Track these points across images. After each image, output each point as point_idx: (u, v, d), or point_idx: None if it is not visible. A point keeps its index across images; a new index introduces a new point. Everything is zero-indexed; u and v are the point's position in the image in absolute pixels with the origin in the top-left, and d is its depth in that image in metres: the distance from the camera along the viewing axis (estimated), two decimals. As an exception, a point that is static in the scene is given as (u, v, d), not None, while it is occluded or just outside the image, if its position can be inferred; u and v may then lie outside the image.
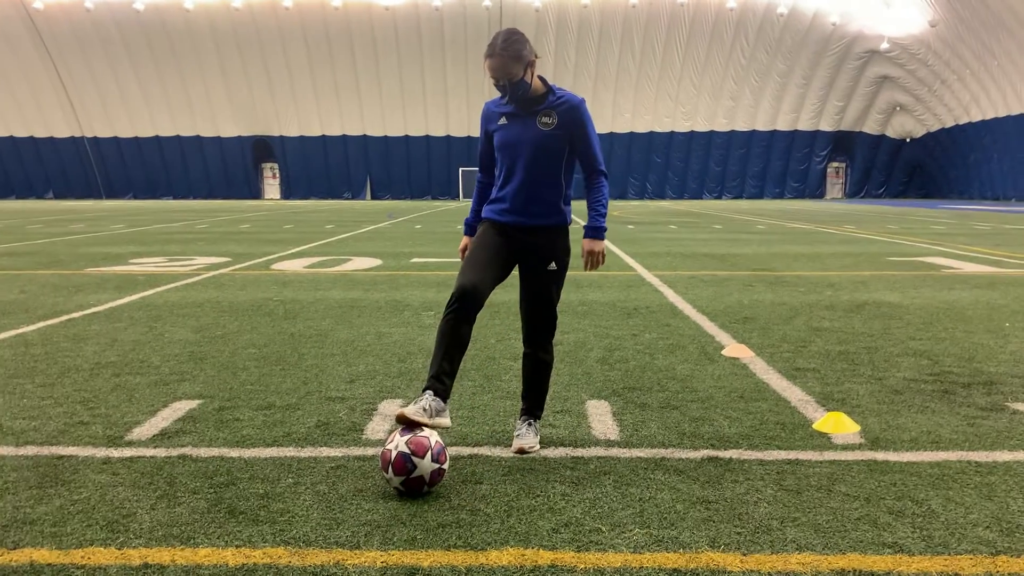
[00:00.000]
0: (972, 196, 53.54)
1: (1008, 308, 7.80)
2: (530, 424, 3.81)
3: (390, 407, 4.38)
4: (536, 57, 3.66)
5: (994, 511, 3.03)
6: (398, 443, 3.23)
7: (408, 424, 3.32)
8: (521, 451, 3.68)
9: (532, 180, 3.70)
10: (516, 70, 3.56)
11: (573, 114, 3.67)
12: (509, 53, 3.53)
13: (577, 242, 3.81)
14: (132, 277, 10.39)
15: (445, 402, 3.45)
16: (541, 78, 3.72)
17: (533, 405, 3.85)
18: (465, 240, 3.95)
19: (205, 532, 2.86)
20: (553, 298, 3.80)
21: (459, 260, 3.96)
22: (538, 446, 3.74)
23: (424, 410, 3.34)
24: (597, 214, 3.77)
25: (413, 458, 3.18)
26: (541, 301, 3.78)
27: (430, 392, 3.42)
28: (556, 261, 3.76)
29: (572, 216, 3.85)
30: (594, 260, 3.80)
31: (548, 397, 4.54)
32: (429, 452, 3.21)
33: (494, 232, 3.77)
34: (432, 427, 3.35)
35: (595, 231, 3.77)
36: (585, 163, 3.78)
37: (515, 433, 3.83)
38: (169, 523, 2.93)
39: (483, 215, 3.88)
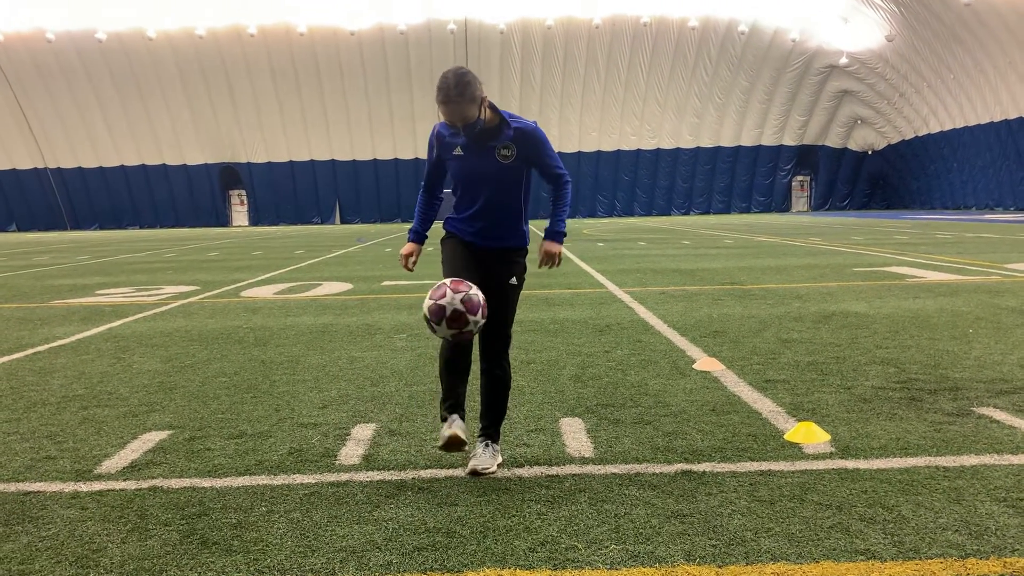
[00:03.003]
0: (933, 206, 54.56)
1: (971, 315, 7.94)
2: (487, 445, 3.79)
3: (363, 432, 4.36)
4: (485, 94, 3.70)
5: (962, 515, 3.08)
6: (452, 299, 3.52)
7: (454, 447, 3.62)
8: (474, 472, 3.67)
9: (493, 209, 3.80)
10: (472, 113, 3.60)
11: (530, 142, 3.75)
12: (465, 98, 3.56)
13: (533, 261, 3.90)
14: (99, 308, 10.26)
15: (463, 419, 3.72)
16: (492, 106, 3.73)
17: (490, 425, 3.84)
18: (410, 247, 4.01)
19: (177, 564, 2.82)
20: (509, 313, 3.87)
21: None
22: (494, 468, 3.70)
23: (463, 429, 3.64)
24: (559, 219, 3.88)
25: (468, 315, 3.52)
26: (498, 316, 3.81)
27: (456, 417, 3.68)
28: (516, 277, 3.85)
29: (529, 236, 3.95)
30: (551, 261, 3.90)
31: (522, 415, 4.57)
32: (480, 309, 3.54)
33: (463, 246, 3.88)
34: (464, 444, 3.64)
35: (556, 235, 3.88)
36: (547, 175, 3.87)
37: (471, 453, 3.82)
38: (140, 556, 2.89)
39: (447, 228, 3.96)
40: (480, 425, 3.88)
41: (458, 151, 3.78)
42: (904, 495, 3.28)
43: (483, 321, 3.58)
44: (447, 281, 3.61)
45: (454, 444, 3.61)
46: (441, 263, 3.96)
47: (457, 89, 3.56)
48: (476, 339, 3.82)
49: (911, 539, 2.88)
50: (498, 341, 3.86)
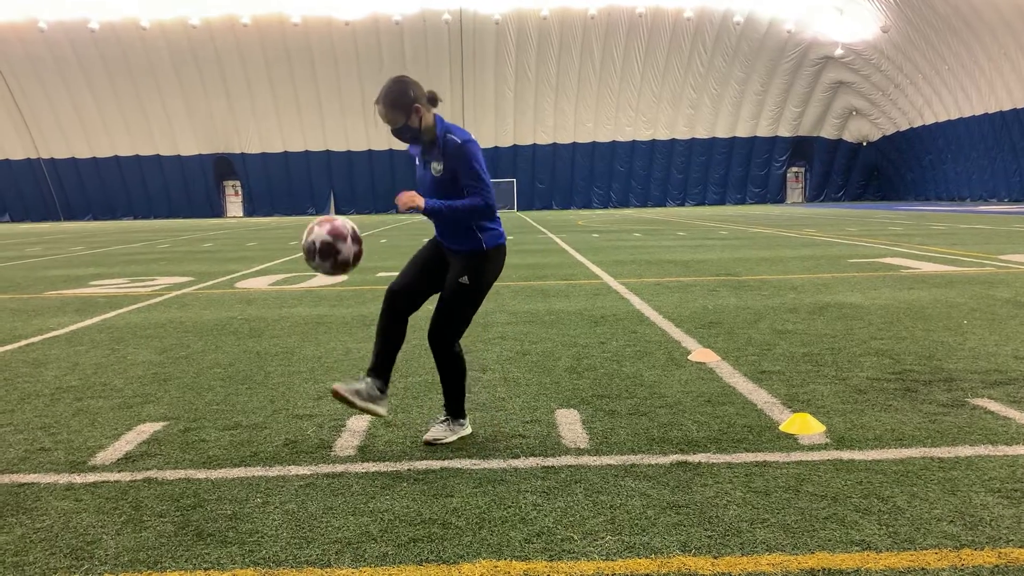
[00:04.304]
0: (928, 197, 54.65)
1: (965, 306, 7.96)
2: (445, 420, 4.04)
3: (359, 423, 4.36)
4: (428, 101, 3.82)
5: (957, 505, 3.08)
6: (318, 234, 3.79)
7: (341, 400, 3.83)
8: (427, 443, 3.96)
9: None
10: (396, 117, 3.77)
11: (456, 156, 3.83)
12: (386, 101, 3.76)
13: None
14: (93, 299, 10.23)
15: (384, 390, 3.94)
16: (438, 118, 3.89)
17: (448, 404, 4.06)
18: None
19: (172, 556, 2.81)
20: (454, 309, 3.95)
21: None
22: (444, 439, 3.96)
23: (358, 392, 3.84)
24: (444, 203, 3.80)
25: (337, 243, 3.78)
26: (442, 308, 3.98)
27: (369, 378, 3.90)
28: (468, 276, 3.94)
29: (501, 234, 4.04)
30: (401, 201, 3.73)
31: (517, 407, 4.61)
32: (349, 237, 3.81)
33: (432, 243, 4.11)
34: (364, 411, 3.87)
35: (427, 204, 3.76)
36: (464, 188, 3.88)
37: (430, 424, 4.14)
38: (135, 548, 2.88)
39: None
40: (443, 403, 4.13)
41: (417, 158, 4.01)
42: (899, 486, 3.29)
43: (357, 247, 3.82)
44: (315, 220, 3.91)
45: (335, 395, 3.83)
46: None
47: (384, 94, 3.78)
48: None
49: (906, 530, 2.88)
50: (439, 333, 3.97)
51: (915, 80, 52.30)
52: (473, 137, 3.92)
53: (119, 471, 3.69)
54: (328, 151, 59.82)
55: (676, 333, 6.85)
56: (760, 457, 3.67)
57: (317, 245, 3.77)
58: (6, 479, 3.62)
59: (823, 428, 4.04)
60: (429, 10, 53.43)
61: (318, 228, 3.81)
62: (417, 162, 4.02)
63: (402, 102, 3.75)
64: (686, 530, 2.92)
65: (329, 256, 3.78)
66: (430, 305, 4.16)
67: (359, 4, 53.08)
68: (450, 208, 3.82)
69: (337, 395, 3.82)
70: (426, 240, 4.23)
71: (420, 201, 3.76)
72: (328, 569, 2.69)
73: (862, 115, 59.40)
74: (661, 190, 61.26)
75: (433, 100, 3.86)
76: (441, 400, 4.42)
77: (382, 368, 3.95)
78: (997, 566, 2.60)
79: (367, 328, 7.48)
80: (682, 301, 8.79)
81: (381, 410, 3.92)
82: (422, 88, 3.83)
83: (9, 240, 28.76)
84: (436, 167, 3.86)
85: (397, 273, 4.17)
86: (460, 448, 3.91)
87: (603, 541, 2.85)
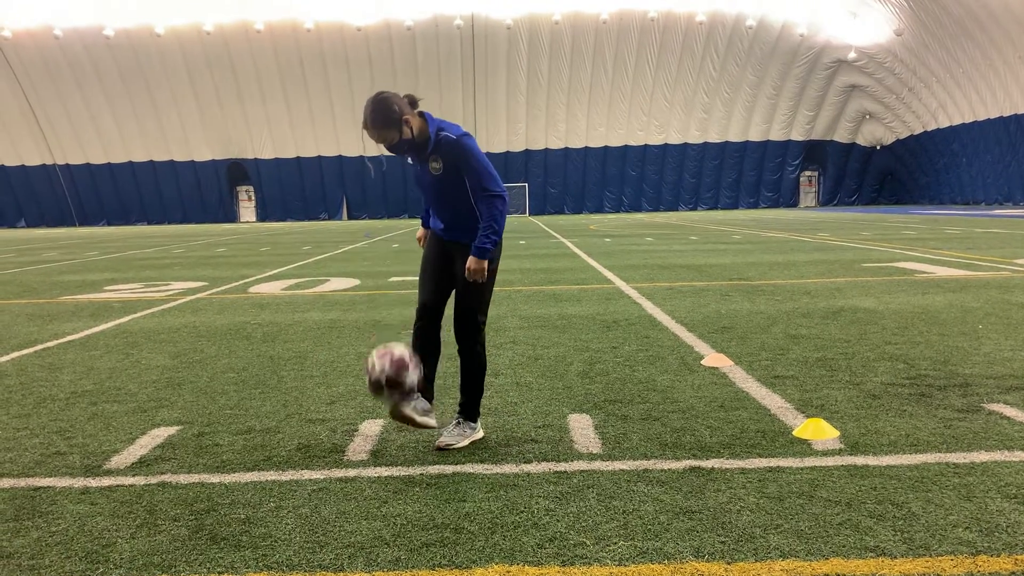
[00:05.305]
0: (942, 201, 54.32)
1: (980, 310, 7.90)
2: (458, 423, 4.05)
3: (371, 427, 4.37)
4: (411, 106, 3.84)
5: (973, 511, 3.06)
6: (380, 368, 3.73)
7: (402, 420, 3.84)
8: (439, 448, 3.95)
9: (445, 212, 4.03)
10: (390, 135, 3.80)
11: (454, 152, 3.87)
12: (376, 124, 3.77)
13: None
14: (107, 304, 10.29)
15: (430, 403, 3.99)
16: (426, 116, 3.89)
17: (465, 402, 4.09)
18: (421, 231, 4.35)
19: (187, 559, 2.83)
20: (473, 304, 4.05)
21: None
22: (458, 444, 3.96)
23: (415, 409, 3.86)
24: (482, 235, 3.91)
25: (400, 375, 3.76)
26: (463, 305, 4.05)
27: (418, 394, 3.89)
28: None
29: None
30: (471, 276, 3.95)
31: (529, 411, 4.60)
32: (411, 363, 3.80)
33: (435, 243, 4.16)
34: (420, 426, 3.87)
35: (478, 251, 3.92)
36: (472, 190, 3.93)
37: (443, 429, 4.12)
38: (150, 552, 2.90)
39: (423, 222, 4.32)
40: (459, 400, 4.14)
41: (409, 159, 4.04)
42: (914, 492, 3.27)
43: (419, 373, 3.79)
44: (372, 354, 3.78)
45: (398, 418, 3.85)
46: None
47: (371, 117, 3.77)
48: (451, 326, 4.10)
49: (921, 536, 2.86)
50: (465, 329, 4.06)
51: (929, 83, 52.02)
52: (466, 131, 3.97)
53: (134, 475, 3.71)
54: (340, 156, 60.01)
55: (688, 338, 6.84)
56: (773, 462, 3.65)
57: (384, 381, 3.72)
58: (22, 483, 3.65)
59: (837, 433, 4.02)
60: (441, 15, 53.57)
61: (378, 361, 3.75)
62: (411, 161, 4.04)
63: (391, 119, 3.76)
64: (699, 535, 2.91)
65: (396, 388, 3.75)
66: (447, 309, 4.17)
67: (372, 10, 53.28)
68: (492, 231, 3.88)
69: (397, 416, 3.83)
70: (421, 234, 4.35)
71: (479, 264, 3.88)
72: (341, 573, 2.70)
73: (876, 119, 59.11)
74: (673, 194, 61.14)
75: (413, 103, 3.90)
76: (454, 404, 4.44)
77: (428, 383, 4.02)
78: (1014, 573, 2.58)
79: (379, 333, 7.49)
80: (694, 305, 8.76)
81: (433, 422, 3.93)
82: (401, 97, 3.84)
83: (25, 245, 29.00)
84: (435, 166, 3.90)
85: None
86: (472, 453, 3.91)
87: (616, 546, 2.85)
